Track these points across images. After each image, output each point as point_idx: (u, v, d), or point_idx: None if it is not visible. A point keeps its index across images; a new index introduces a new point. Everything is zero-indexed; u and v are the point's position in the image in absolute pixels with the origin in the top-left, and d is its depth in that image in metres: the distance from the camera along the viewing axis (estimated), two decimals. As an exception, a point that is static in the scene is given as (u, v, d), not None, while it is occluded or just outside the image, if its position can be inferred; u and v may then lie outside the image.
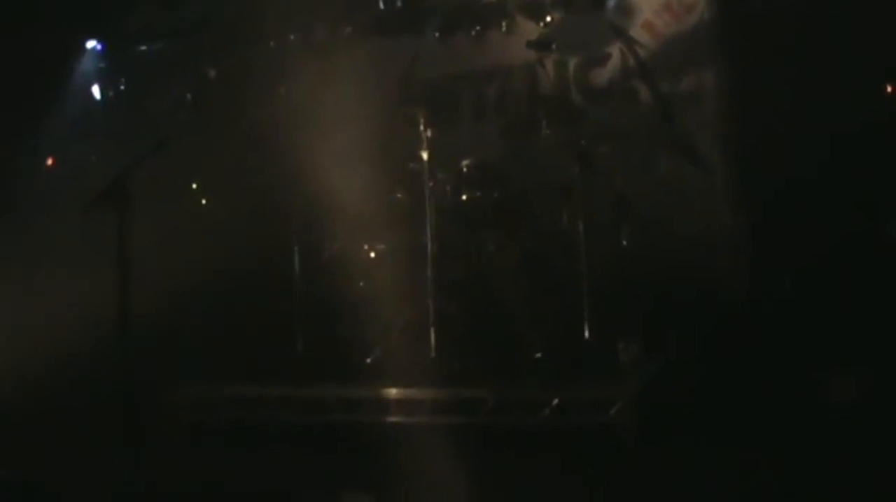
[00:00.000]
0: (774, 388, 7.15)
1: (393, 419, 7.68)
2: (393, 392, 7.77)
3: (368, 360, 8.24)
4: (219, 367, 8.38)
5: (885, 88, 8.54)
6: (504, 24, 9.53)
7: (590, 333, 8.13)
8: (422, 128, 8.50)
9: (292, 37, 9.98)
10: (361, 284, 8.48)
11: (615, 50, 9.32)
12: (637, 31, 9.25)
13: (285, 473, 6.80)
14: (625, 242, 8.55)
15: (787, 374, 7.31)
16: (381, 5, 9.96)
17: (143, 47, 10.77)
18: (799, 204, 8.11)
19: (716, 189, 8.77)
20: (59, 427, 7.57)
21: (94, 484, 6.17)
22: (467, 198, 8.70)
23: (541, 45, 9.20)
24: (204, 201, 9.85)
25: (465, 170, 8.80)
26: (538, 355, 8.03)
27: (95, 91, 10.79)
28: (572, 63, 9.42)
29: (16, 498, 6.14)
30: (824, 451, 6.22)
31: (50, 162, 10.26)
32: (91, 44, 10.87)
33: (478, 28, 9.60)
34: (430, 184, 8.46)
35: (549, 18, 9.30)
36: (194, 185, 9.91)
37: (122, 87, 10.78)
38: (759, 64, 8.49)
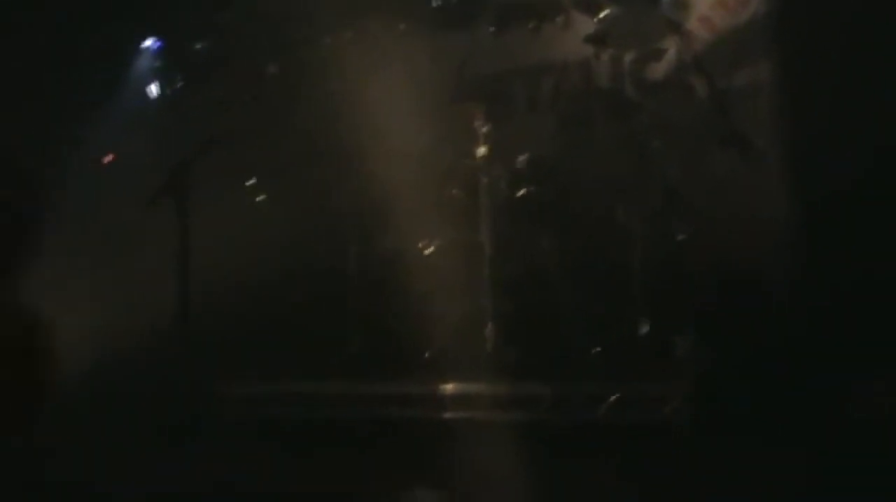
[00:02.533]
0: (832, 385, 7.09)
1: (450, 415, 7.69)
2: (450, 388, 7.79)
3: (426, 355, 8.26)
4: (275, 364, 8.42)
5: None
6: (559, 19, 9.48)
7: (646, 328, 8.11)
8: (477, 123, 8.52)
9: (347, 33, 9.98)
10: (417, 281, 8.49)
11: (671, 44, 9.27)
12: (693, 26, 9.21)
13: (342, 470, 6.81)
14: (679, 236, 8.51)
15: (845, 370, 7.24)
16: (436, 1, 9.94)
17: (199, 45, 10.82)
18: (855, 198, 8.02)
19: (771, 183, 8.69)
20: (113, 423, 7.62)
21: (146, 481, 6.21)
22: (523, 194, 8.70)
23: (596, 39, 9.17)
24: (259, 198, 9.88)
25: (520, 165, 8.80)
26: (595, 350, 8.02)
27: (152, 89, 10.86)
28: (627, 57, 9.36)
29: (66, 493, 6.18)
30: (882, 448, 6.17)
31: (109, 159, 10.33)
32: (147, 42, 10.94)
33: (533, 23, 9.57)
34: (486, 180, 8.46)
35: (604, 13, 9.24)
36: (248, 183, 9.93)
37: (179, 85, 10.83)
38: (815, 57, 8.40)
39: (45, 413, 7.64)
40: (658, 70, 9.34)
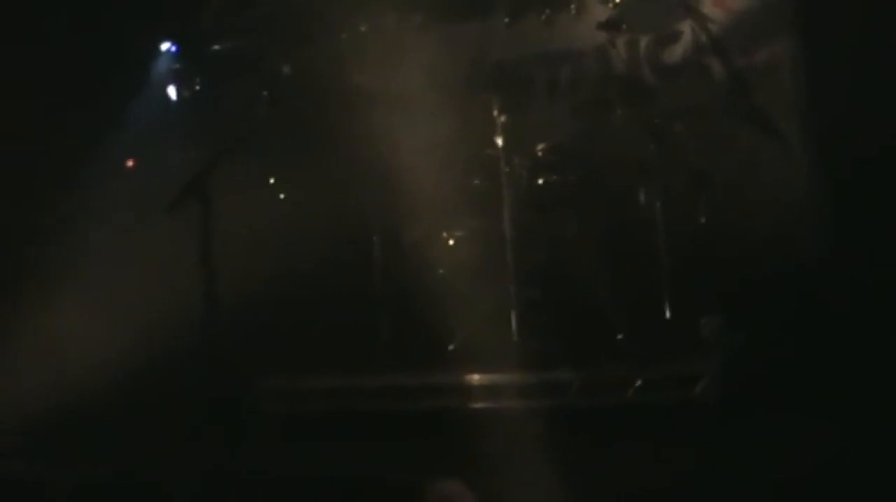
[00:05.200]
0: (857, 362, 7.07)
1: (478, 404, 7.71)
2: (476, 377, 7.80)
3: (451, 347, 8.29)
4: (304, 358, 8.46)
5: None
6: (573, 6, 9.48)
7: (671, 311, 8.11)
8: (496, 113, 8.54)
9: (363, 28, 10.01)
10: (441, 271, 8.52)
11: (686, 27, 9.24)
12: (708, 7, 9.17)
13: (372, 461, 6.84)
14: (703, 219, 8.50)
15: (869, 348, 7.22)
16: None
17: (217, 47, 10.87)
18: (879, 176, 7.99)
19: (794, 162, 8.67)
20: (149, 420, 7.68)
21: (184, 477, 6.25)
22: (544, 182, 8.71)
23: (611, 25, 9.17)
24: (283, 195, 9.93)
25: (540, 153, 8.82)
26: (620, 336, 8.03)
27: (171, 92, 10.91)
28: (643, 42, 9.35)
29: (109, 490, 6.23)
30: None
31: (130, 163, 10.39)
32: (165, 46, 10.99)
33: (547, 11, 9.56)
34: (507, 169, 8.48)
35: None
36: (272, 180, 9.98)
37: (198, 88, 10.88)
38: (831, 34, 8.37)
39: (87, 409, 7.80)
40: (675, 53, 9.31)
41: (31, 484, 6.08)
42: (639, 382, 7.29)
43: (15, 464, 6.48)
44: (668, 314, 8.16)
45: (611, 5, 9.18)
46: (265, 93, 10.09)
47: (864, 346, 7.20)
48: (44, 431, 7.52)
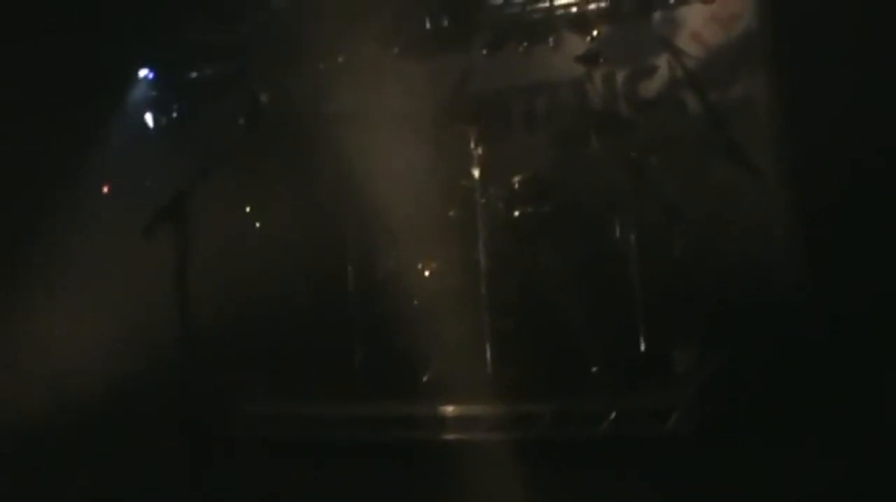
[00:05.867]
0: (834, 390, 7.09)
1: (451, 436, 7.68)
2: (450, 409, 7.78)
3: (425, 378, 8.27)
4: (278, 384, 8.44)
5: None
6: (551, 39, 9.53)
7: (646, 343, 8.12)
8: (472, 144, 8.55)
9: (340, 59, 10.03)
10: (416, 301, 8.51)
11: (663, 61, 9.30)
12: (684, 42, 9.24)
13: (347, 490, 6.81)
14: (678, 250, 8.53)
15: (845, 376, 7.25)
16: (429, 24, 9.97)
17: (194, 73, 10.89)
18: (852, 208, 8.05)
19: (769, 194, 8.72)
20: (122, 444, 7.64)
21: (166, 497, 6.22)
22: (520, 213, 8.72)
23: (588, 58, 9.24)
24: (258, 223, 9.92)
25: (516, 185, 8.83)
26: (595, 367, 8.03)
27: (148, 118, 10.92)
28: (620, 75, 9.41)
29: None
30: (888, 451, 6.16)
31: (106, 189, 10.38)
32: (142, 72, 11.00)
33: (525, 44, 9.61)
34: (483, 200, 8.49)
35: (595, 32, 9.29)
36: (248, 208, 9.98)
37: (175, 114, 10.89)
38: (808, 69, 8.44)
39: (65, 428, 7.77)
40: (651, 87, 9.37)
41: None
42: (613, 414, 7.28)
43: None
44: (642, 346, 8.16)
45: (588, 39, 9.25)
46: (242, 120, 10.08)
47: (840, 376, 7.23)
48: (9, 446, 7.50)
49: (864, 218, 8.01)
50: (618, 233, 8.57)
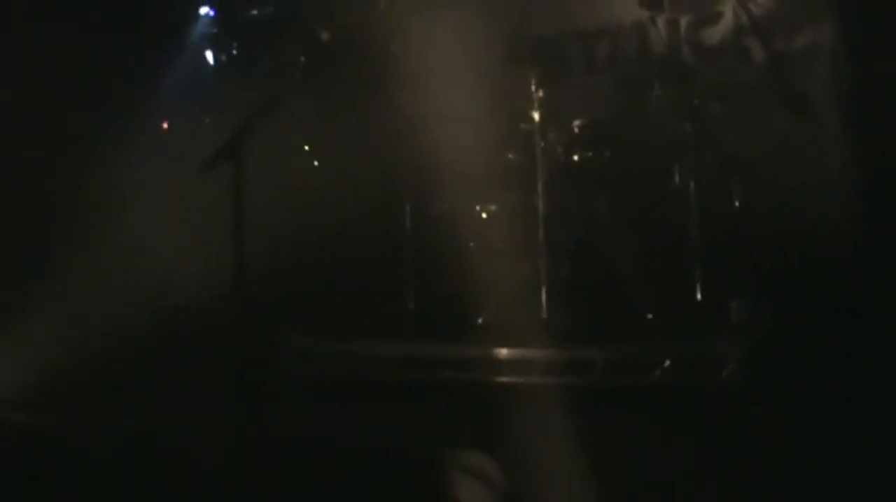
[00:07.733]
0: (888, 349, 7.03)
1: (503, 379, 7.70)
2: (503, 352, 7.79)
3: (479, 321, 8.28)
4: (331, 323, 8.48)
5: None
6: (615, -19, 9.43)
7: (701, 293, 8.08)
8: (533, 87, 8.50)
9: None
10: (472, 244, 8.51)
11: (728, 7, 9.17)
12: (750, -12, 9.11)
13: (395, 430, 6.84)
14: (736, 201, 8.46)
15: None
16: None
17: (255, 11, 10.87)
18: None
19: (830, 147, 8.61)
20: (173, 379, 7.71)
21: (206, 436, 6.27)
22: (579, 158, 8.68)
23: (653, 4, 9.11)
24: (316, 162, 9.93)
25: (576, 129, 8.78)
26: (649, 315, 8.00)
27: (209, 56, 10.92)
28: (684, 21, 9.28)
29: (129, 446, 6.24)
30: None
31: (165, 125, 10.41)
32: (203, 10, 10.99)
33: (588, -15, 9.53)
34: (542, 144, 8.45)
35: (660, -24, 9.17)
36: (307, 147, 9.98)
37: (235, 51, 10.89)
38: (877, 20, 8.30)
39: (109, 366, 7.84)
40: (715, 34, 9.25)
41: (47, 438, 6.09)
42: (666, 363, 7.27)
43: (36, 418, 6.50)
44: (698, 295, 8.13)
45: (653, -18, 9.13)
46: (302, 58, 10.06)
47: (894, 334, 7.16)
48: (65, 386, 7.56)
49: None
50: (677, 182, 8.53)
